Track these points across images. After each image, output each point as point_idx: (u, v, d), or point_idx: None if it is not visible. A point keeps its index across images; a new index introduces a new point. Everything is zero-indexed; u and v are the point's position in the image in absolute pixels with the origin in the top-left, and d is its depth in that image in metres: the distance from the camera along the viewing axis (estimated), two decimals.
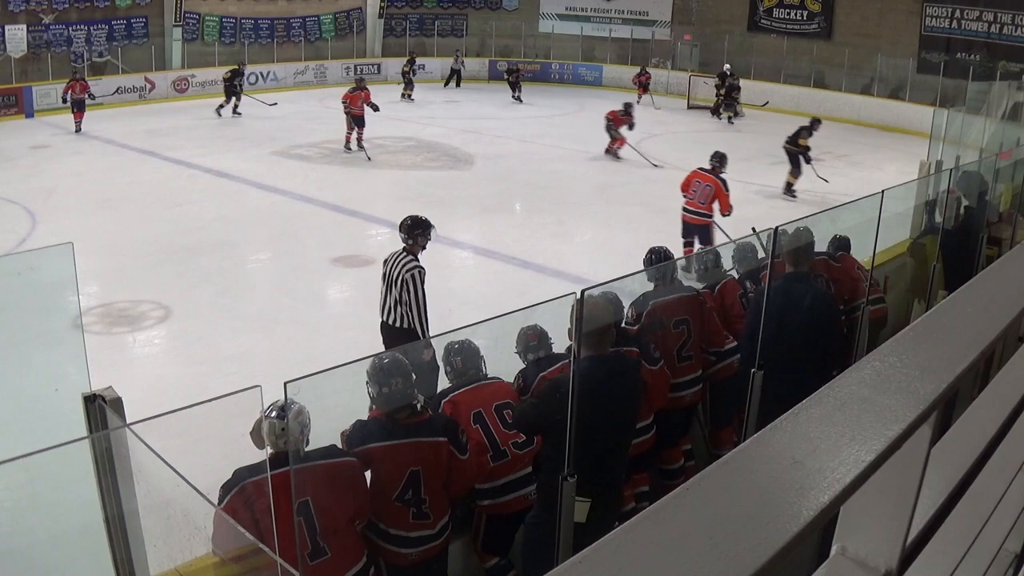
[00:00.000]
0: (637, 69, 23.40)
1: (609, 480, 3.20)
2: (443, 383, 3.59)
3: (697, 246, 8.65)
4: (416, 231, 5.43)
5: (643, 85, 22.43)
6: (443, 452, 3.04)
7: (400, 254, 5.46)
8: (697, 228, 8.81)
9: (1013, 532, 1.58)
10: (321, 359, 2.72)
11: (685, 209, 8.80)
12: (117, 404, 2.40)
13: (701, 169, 8.90)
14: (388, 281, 5.44)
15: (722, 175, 8.77)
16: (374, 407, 3.14)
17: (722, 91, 19.88)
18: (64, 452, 1.88)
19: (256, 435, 2.79)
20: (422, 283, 5.37)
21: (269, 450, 2.74)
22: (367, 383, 3.04)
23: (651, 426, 3.83)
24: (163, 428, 2.02)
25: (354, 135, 14.82)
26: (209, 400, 2.00)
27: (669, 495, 0.74)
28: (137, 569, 2.42)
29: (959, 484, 1.36)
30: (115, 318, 7.54)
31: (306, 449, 2.77)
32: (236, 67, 18.97)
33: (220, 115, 18.09)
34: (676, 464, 4.18)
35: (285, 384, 2.15)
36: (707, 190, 8.57)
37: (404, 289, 5.34)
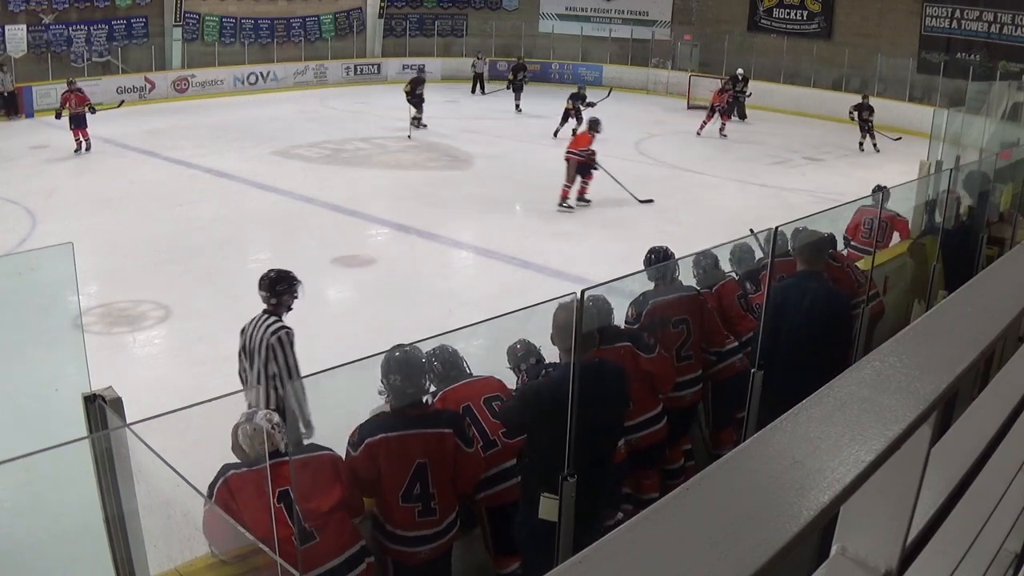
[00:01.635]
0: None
1: (587, 484, 3.18)
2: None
3: None
4: (280, 287, 4.55)
5: (724, 109, 17.44)
6: (449, 444, 3.05)
7: (260, 318, 4.57)
8: None
9: (1013, 532, 1.58)
10: (321, 359, 2.73)
11: (854, 247, 6.73)
12: (117, 404, 2.40)
13: (869, 206, 7.02)
14: (248, 351, 4.56)
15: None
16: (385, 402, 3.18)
17: (735, 94, 19.69)
18: (64, 452, 1.88)
19: (238, 450, 2.88)
20: (292, 347, 4.48)
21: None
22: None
23: (661, 416, 3.78)
24: (163, 428, 2.02)
25: (584, 186, 11.69)
26: (209, 400, 2.00)
27: (669, 495, 0.74)
28: (137, 569, 2.42)
29: (959, 484, 1.36)
30: (115, 318, 7.54)
31: (283, 446, 2.88)
32: (417, 75, 17.13)
33: (418, 127, 16.54)
34: (676, 464, 4.17)
35: None
36: (885, 227, 6.57)
37: (271, 358, 4.42)
